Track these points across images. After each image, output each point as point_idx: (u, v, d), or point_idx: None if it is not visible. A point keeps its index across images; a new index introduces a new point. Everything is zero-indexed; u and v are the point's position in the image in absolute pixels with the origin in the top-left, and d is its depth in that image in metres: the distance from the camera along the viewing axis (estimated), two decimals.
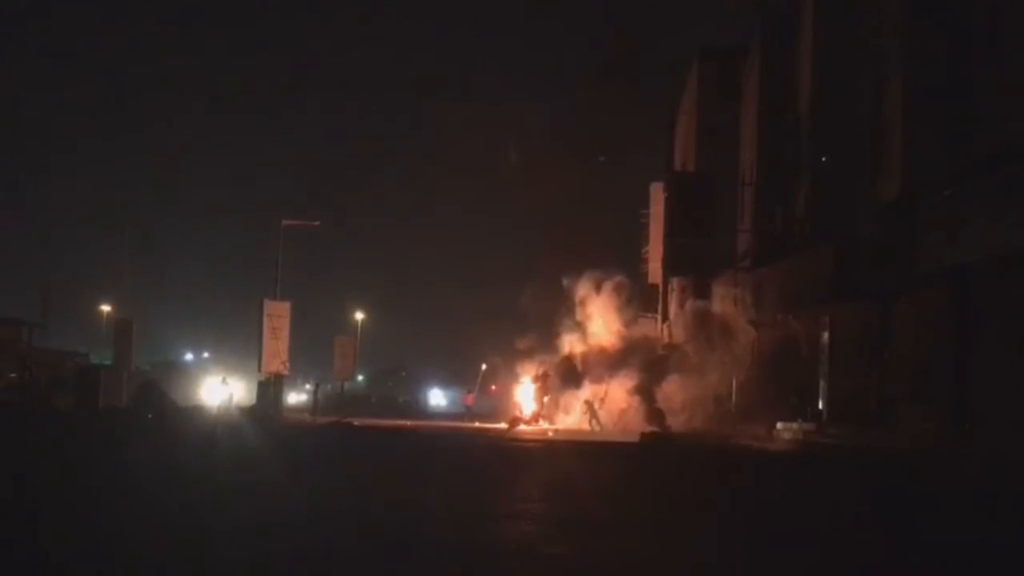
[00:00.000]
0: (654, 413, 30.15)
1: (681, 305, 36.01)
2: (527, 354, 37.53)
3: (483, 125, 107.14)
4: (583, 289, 37.63)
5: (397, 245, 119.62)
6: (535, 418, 35.25)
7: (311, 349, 60.14)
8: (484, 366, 48.64)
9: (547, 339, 38.11)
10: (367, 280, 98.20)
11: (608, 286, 37.49)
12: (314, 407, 42.16)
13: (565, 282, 37.99)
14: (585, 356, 36.40)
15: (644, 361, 33.53)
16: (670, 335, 36.81)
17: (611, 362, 34.58)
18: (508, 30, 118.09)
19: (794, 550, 7.14)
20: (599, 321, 37.33)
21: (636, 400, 32.29)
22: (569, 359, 36.67)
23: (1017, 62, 16.35)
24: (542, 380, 36.21)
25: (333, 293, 69.92)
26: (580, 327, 37.66)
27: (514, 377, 38.46)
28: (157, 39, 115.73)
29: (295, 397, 63.57)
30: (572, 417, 34.89)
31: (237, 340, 59.72)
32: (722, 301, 29.63)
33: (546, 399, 36.29)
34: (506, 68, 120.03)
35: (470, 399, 49.01)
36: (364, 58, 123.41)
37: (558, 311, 37.97)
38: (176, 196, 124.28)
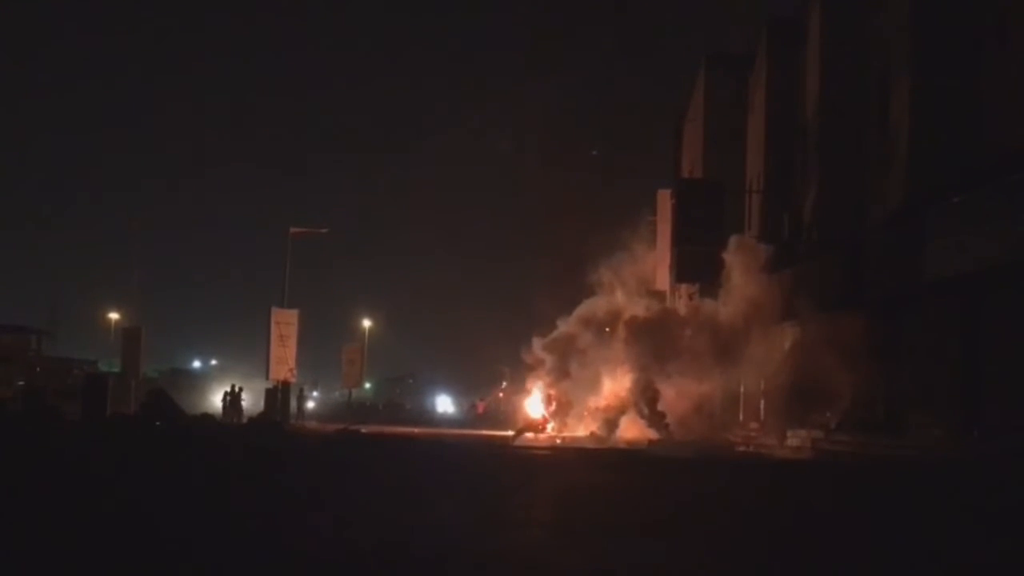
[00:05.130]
0: (657, 418, 29.79)
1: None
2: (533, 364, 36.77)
3: (487, 128, 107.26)
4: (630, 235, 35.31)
5: (405, 252, 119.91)
6: (542, 424, 35.02)
7: (319, 357, 60.26)
8: (504, 383, 48.51)
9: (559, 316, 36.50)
10: (375, 287, 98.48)
11: (635, 268, 35.99)
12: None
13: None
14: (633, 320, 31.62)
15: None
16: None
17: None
18: (512, 33, 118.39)
19: (804, 557, 7.12)
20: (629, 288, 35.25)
21: (638, 404, 31.01)
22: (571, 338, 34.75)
23: None
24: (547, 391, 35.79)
25: (341, 300, 70.06)
26: (609, 288, 35.40)
27: (523, 384, 38.18)
28: (160, 43, 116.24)
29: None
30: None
31: (245, 348, 59.91)
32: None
33: (552, 407, 36.01)
34: (509, 71, 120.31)
35: (482, 406, 49.15)
36: (370, 63, 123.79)
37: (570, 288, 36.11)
38: (183, 202, 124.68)
